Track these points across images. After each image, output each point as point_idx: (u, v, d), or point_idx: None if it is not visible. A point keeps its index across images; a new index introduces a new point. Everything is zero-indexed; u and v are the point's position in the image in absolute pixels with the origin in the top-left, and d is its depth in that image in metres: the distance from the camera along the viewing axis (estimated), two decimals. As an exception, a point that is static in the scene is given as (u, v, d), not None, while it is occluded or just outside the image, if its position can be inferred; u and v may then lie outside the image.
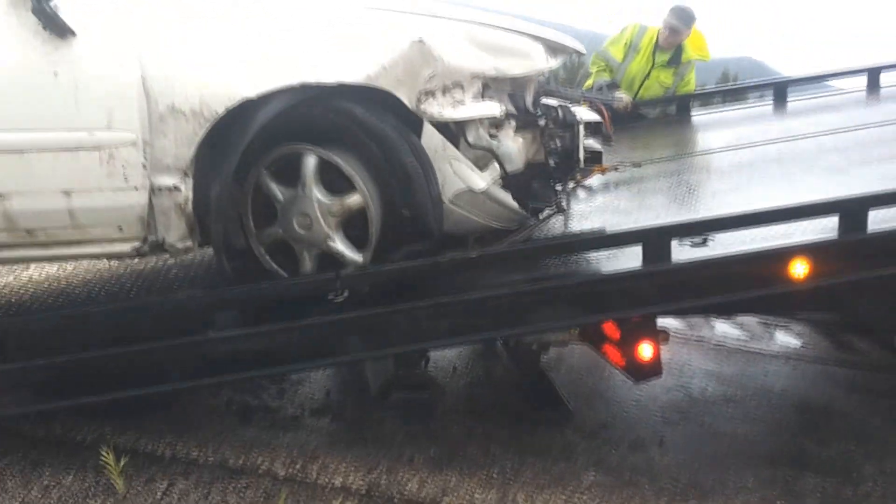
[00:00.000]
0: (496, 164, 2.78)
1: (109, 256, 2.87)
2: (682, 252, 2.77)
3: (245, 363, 2.73)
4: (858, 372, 4.34)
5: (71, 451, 2.96)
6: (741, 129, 4.51)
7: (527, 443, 3.29)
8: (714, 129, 4.85)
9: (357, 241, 2.73)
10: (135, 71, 2.44)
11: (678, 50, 5.08)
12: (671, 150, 4.40)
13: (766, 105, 5.12)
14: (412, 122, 2.62)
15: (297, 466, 2.98)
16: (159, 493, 2.80)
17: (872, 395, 4.04)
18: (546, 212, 3.14)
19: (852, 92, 5.02)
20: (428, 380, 3.29)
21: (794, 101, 4.97)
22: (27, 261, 2.93)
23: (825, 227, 2.80)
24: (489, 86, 2.75)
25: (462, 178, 2.68)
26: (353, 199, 2.65)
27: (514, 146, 2.77)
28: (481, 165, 2.75)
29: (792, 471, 3.22)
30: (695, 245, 2.85)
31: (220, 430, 3.18)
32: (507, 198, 2.79)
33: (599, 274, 2.78)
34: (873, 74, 4.95)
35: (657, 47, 5.08)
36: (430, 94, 2.58)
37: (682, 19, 4.96)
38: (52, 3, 2.40)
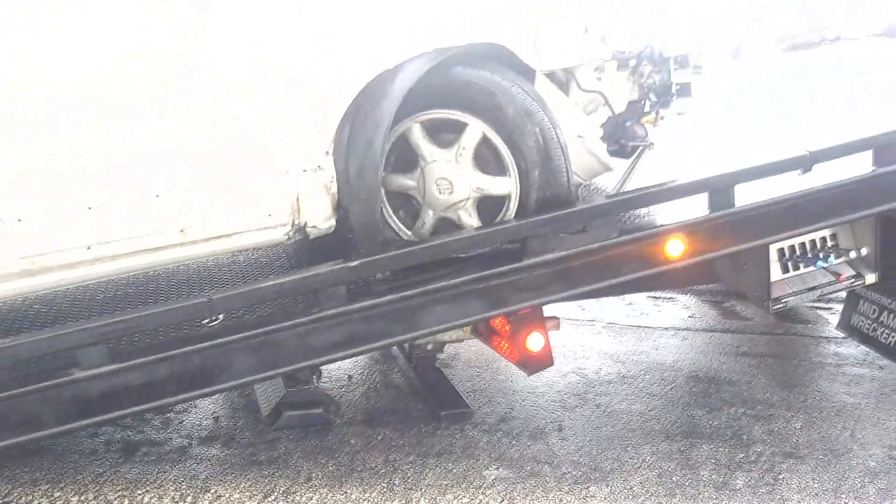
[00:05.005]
0: (601, 110, 2.75)
1: (261, 245, 2.76)
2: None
3: (123, 399, 2.56)
4: (743, 337, 4.53)
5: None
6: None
7: (428, 445, 3.26)
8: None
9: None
10: (278, 53, 2.44)
11: None
12: None
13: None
14: (525, 73, 2.62)
15: (188, 501, 2.84)
16: (37, 549, 2.62)
17: (756, 357, 4.22)
18: (639, 151, 3.07)
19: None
20: (321, 395, 3.20)
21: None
22: (177, 262, 2.73)
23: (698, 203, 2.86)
24: (588, 28, 2.71)
25: (575, 125, 2.68)
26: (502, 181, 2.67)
27: (622, 87, 2.74)
28: (588, 111, 2.74)
29: (686, 442, 3.32)
30: (575, 234, 2.86)
31: (100, 472, 2.99)
32: (602, 149, 2.78)
33: (481, 272, 2.75)
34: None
35: None
36: (539, 43, 2.59)
37: None
38: None
